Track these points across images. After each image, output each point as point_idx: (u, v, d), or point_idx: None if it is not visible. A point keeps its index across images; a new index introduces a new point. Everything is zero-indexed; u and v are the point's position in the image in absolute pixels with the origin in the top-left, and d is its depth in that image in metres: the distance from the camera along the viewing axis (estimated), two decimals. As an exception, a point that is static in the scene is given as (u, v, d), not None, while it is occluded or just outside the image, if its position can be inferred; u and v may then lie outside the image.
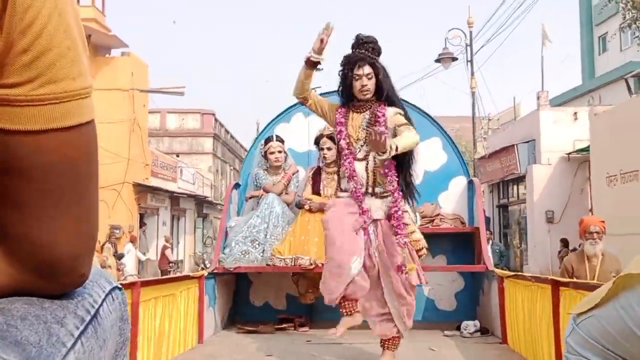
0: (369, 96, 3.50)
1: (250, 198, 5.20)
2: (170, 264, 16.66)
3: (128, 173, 15.78)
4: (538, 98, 15.93)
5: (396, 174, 3.46)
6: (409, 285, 3.40)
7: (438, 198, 5.46)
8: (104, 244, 12.03)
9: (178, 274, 10.99)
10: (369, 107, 3.52)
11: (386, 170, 3.44)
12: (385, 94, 3.51)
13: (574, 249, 12.34)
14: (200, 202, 23.92)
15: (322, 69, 5.75)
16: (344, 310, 3.45)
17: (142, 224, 17.30)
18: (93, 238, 0.64)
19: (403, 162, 3.51)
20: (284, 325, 4.88)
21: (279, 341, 4.36)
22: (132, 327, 3.27)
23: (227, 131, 28.92)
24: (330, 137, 4.75)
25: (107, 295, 0.70)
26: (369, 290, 3.45)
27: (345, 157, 3.51)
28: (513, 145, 15.09)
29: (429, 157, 5.51)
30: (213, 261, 5.00)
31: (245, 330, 4.76)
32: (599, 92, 17.64)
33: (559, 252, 12.48)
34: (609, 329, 0.96)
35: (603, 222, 4.66)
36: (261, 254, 4.70)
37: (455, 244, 5.37)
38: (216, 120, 26.62)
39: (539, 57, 16.84)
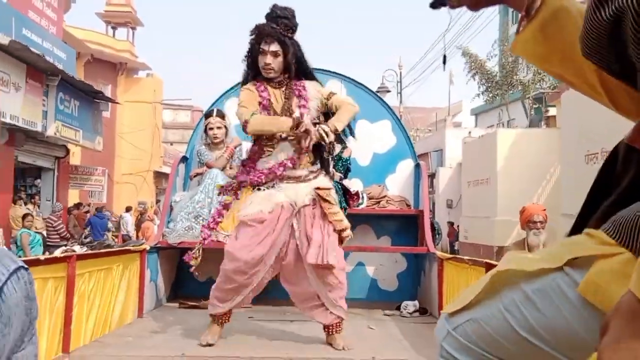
0: (272, 75, 3.32)
1: (195, 176, 5.12)
2: None
3: (150, 164, 22.24)
4: (445, 120, 23.88)
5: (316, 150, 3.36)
6: (334, 271, 3.30)
7: (385, 180, 5.53)
8: (141, 214, 15.99)
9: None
10: (285, 82, 3.35)
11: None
12: (292, 74, 3.34)
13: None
14: (195, 185, 29.61)
15: None
16: (219, 320, 3.47)
17: (157, 201, 22.05)
18: None
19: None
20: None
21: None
22: (67, 300, 3.20)
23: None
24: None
25: (11, 274, 0.71)
26: (295, 284, 3.43)
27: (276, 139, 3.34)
28: (427, 153, 21.54)
29: (379, 140, 5.56)
30: (156, 235, 4.94)
31: (187, 305, 4.73)
32: (505, 108, 22.02)
33: (447, 232, 18.37)
34: (492, 333, 0.87)
35: (545, 210, 4.30)
36: None
37: (400, 226, 5.47)
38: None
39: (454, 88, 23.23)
